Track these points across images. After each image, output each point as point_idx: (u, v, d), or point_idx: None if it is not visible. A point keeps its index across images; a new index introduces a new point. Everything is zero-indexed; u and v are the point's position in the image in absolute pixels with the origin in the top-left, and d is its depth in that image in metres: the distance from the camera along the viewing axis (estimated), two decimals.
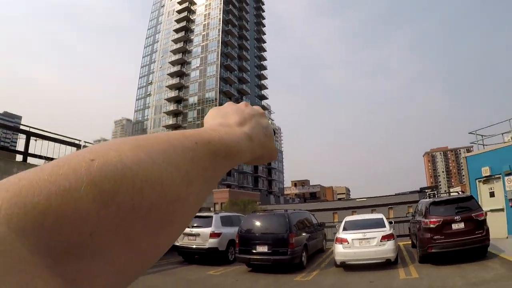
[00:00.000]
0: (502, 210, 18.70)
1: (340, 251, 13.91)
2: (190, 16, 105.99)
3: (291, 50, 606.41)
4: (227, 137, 0.59)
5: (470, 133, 22.05)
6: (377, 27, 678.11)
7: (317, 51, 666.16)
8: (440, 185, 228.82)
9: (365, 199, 64.90)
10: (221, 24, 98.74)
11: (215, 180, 0.55)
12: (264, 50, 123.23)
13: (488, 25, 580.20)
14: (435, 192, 43.41)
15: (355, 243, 13.78)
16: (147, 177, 0.41)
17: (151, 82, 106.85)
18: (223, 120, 0.70)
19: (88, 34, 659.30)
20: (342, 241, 14.01)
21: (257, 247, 14.60)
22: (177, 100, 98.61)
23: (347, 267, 14.01)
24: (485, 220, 13.43)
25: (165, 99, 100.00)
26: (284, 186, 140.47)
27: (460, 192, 16.24)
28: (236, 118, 0.70)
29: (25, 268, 0.32)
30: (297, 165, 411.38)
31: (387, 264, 13.65)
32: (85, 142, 21.57)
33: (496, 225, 18.06)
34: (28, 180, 0.35)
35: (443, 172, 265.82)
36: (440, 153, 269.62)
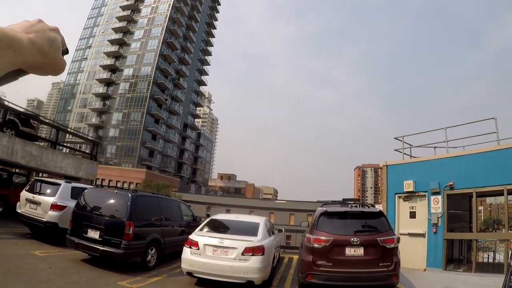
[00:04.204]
0: (423, 235, 15.23)
1: (187, 258, 9.90)
2: None
3: (239, 43, 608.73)
4: (10, 33, 0.72)
5: (396, 138, 18.24)
6: (328, 41, 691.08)
7: (266, 50, 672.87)
8: (366, 199, 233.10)
9: (284, 201, 63.09)
10: None
11: (3, 65, 0.71)
12: (213, 36, 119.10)
13: (426, 58, 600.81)
14: (357, 205, 40.48)
15: (207, 250, 9.74)
16: None
17: (90, 46, 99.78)
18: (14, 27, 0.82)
19: None
20: (192, 244, 9.92)
21: (89, 230, 10.83)
22: (112, 69, 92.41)
23: (202, 280, 10.12)
24: (396, 248, 9.59)
25: (100, 66, 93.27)
26: (211, 177, 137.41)
27: (369, 206, 12.18)
28: (23, 27, 0.83)
29: None
30: (229, 160, 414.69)
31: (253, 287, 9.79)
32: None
33: (413, 253, 14.72)
34: None
35: (371, 188, 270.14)
36: (371, 169, 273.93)
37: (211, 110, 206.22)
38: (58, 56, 0.87)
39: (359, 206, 12.29)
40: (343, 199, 59.30)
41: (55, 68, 0.87)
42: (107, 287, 9.12)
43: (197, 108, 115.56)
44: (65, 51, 0.93)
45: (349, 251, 9.21)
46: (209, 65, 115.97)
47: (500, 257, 20.19)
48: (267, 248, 10.00)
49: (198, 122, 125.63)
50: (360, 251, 9.19)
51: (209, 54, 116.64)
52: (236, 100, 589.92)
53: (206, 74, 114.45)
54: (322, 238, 9.35)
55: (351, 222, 9.93)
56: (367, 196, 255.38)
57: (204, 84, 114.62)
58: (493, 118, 15.12)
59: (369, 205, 12.46)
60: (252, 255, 9.45)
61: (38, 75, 0.89)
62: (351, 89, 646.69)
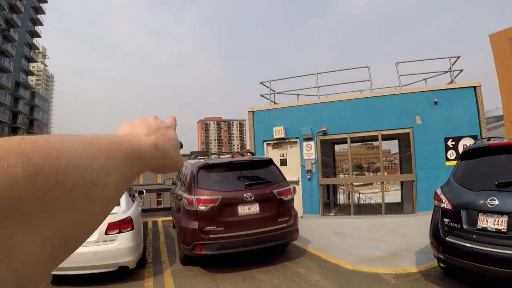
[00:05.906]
0: (296, 183, 14.61)
1: None
2: None
3: None
4: (136, 143, 0.66)
5: (261, 83, 17.10)
6: None
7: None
8: (211, 151, 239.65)
9: None
10: None
11: (131, 178, 0.63)
12: None
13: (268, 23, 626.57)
14: (205, 158, 39.68)
15: None
16: (71, 158, 0.46)
17: None
18: (132, 131, 0.75)
19: None
20: None
21: None
22: None
23: (59, 277, 7.37)
24: (293, 199, 8.49)
25: None
26: None
27: (250, 154, 10.85)
28: (143, 130, 0.75)
29: None
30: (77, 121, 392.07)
31: (127, 272, 7.61)
32: None
33: None
34: None
35: (214, 140, 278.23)
36: (214, 122, 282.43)
37: (46, 66, 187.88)
38: (177, 155, 0.81)
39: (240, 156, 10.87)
40: (191, 152, 58.35)
41: (175, 167, 0.81)
42: None
43: (31, 64, 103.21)
44: (180, 146, 0.86)
45: (243, 210, 7.78)
46: (44, 13, 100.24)
47: (357, 199, 20.97)
48: (136, 219, 7.87)
49: (32, 80, 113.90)
50: (255, 208, 7.84)
51: (45, 1, 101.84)
52: (79, 55, 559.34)
53: (41, 24, 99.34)
54: (207, 198, 7.66)
55: (239, 174, 8.35)
56: (211, 148, 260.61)
57: (39, 36, 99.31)
58: (367, 67, 14.99)
59: (252, 153, 11.26)
60: (119, 232, 7.24)
61: (157, 173, 0.83)
62: (196, 45, 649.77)
